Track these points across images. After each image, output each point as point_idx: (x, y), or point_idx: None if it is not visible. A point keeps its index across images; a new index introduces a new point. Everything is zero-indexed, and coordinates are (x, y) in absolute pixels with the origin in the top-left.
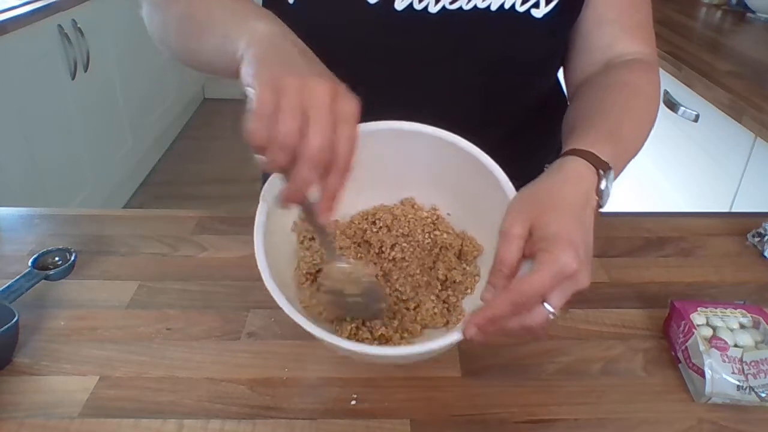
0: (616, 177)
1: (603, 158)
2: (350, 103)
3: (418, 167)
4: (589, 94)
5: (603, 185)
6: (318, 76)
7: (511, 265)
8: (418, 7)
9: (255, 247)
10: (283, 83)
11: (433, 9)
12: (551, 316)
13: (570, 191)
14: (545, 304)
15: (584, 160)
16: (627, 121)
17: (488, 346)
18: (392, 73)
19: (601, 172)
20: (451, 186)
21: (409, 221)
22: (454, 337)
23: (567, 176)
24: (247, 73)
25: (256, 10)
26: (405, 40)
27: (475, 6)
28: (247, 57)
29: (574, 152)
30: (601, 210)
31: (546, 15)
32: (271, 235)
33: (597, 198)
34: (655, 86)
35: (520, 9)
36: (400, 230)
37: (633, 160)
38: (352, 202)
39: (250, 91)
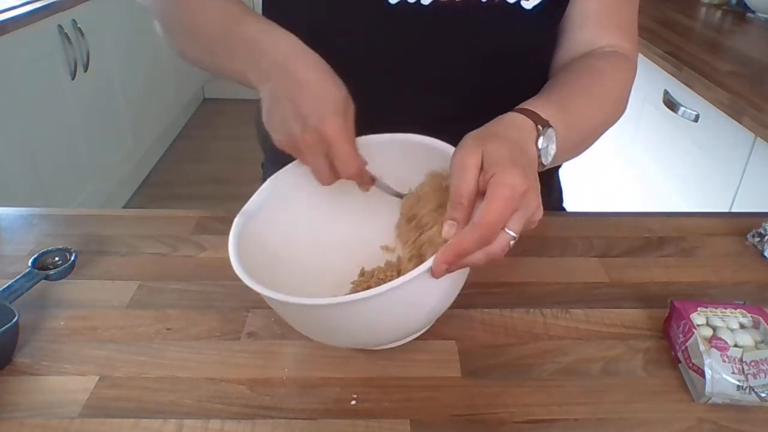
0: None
1: (543, 117)
2: (327, 132)
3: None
4: (555, 76)
5: (541, 142)
6: (297, 129)
7: (469, 195)
8: (410, 0)
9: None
10: (285, 139)
11: (426, 1)
12: (512, 241)
13: (510, 133)
14: (506, 230)
15: (523, 115)
16: (576, 95)
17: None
18: (385, 66)
19: (540, 127)
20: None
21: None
22: (422, 268)
23: (507, 123)
24: (265, 122)
25: (255, 33)
26: (398, 33)
27: None
28: (262, 101)
29: (516, 110)
30: (604, 212)
31: (535, 7)
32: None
33: (536, 150)
34: (623, 75)
35: (511, 0)
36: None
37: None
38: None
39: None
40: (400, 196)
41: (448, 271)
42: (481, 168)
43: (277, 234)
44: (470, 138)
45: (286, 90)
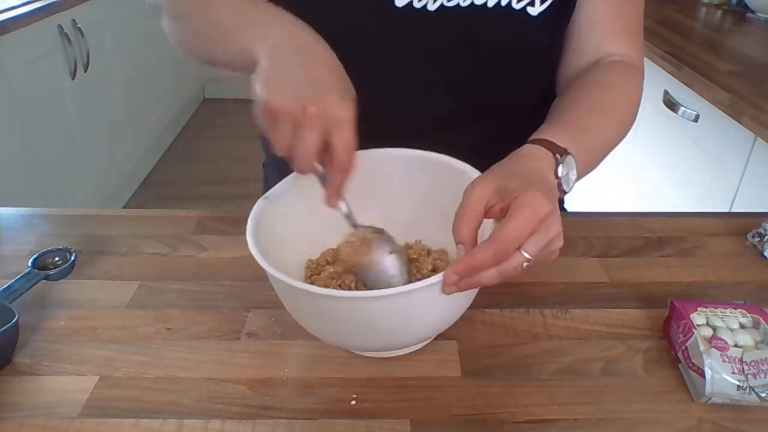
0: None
1: (560, 145)
2: (340, 111)
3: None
4: (566, 93)
5: (561, 170)
6: (309, 94)
7: (469, 219)
8: (417, 5)
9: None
10: (289, 101)
11: (432, 7)
12: (526, 263)
13: (528, 164)
14: (522, 251)
15: (539, 146)
16: (591, 114)
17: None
18: (391, 70)
19: (558, 156)
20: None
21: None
22: (432, 280)
23: (523, 156)
24: (256, 87)
25: (269, 17)
26: (404, 37)
27: (473, 3)
28: (259, 70)
29: (531, 141)
30: (604, 212)
31: (541, 13)
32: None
33: (556, 180)
34: (633, 86)
35: (516, 6)
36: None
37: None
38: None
39: (258, 103)
40: (354, 226)
41: (458, 286)
42: (498, 199)
43: (294, 222)
44: (488, 171)
45: (302, 58)
